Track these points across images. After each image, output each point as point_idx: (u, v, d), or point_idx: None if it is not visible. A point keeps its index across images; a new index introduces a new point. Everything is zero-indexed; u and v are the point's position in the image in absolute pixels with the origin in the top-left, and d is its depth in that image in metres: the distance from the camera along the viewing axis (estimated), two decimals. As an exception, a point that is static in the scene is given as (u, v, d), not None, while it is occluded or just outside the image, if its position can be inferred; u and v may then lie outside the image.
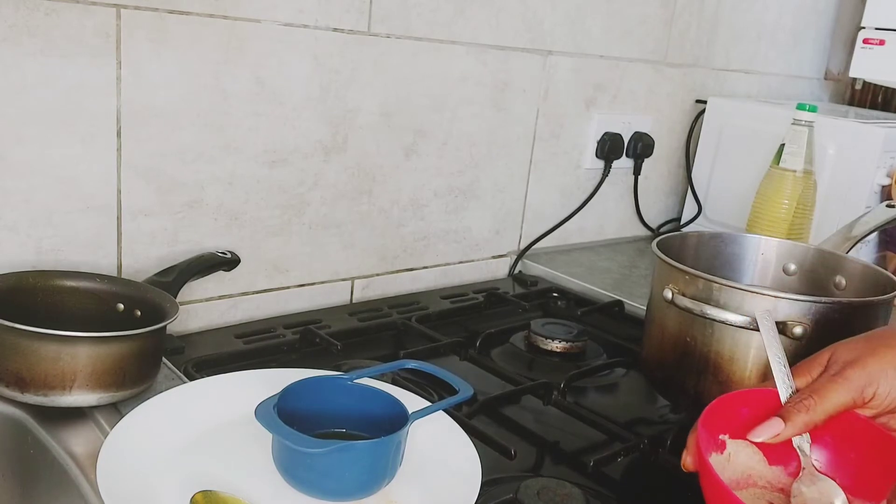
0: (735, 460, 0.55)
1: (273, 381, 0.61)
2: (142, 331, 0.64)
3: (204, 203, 0.84)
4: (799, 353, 0.65)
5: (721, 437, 0.55)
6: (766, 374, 0.67)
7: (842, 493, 0.53)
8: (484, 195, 1.11)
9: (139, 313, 0.71)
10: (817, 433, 0.55)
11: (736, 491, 0.54)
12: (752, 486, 0.55)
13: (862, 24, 1.41)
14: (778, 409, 0.54)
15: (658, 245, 0.75)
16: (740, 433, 0.55)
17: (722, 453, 0.55)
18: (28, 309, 0.66)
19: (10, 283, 0.68)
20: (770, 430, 0.53)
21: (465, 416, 0.70)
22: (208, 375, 0.69)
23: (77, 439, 0.61)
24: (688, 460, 0.53)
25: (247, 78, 0.83)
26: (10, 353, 0.61)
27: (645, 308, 0.78)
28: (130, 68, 0.75)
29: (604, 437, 0.72)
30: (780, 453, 0.56)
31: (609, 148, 1.24)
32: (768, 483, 0.56)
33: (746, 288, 0.67)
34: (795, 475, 0.55)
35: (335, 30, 0.89)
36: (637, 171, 1.31)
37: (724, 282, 0.67)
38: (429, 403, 0.61)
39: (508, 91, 1.09)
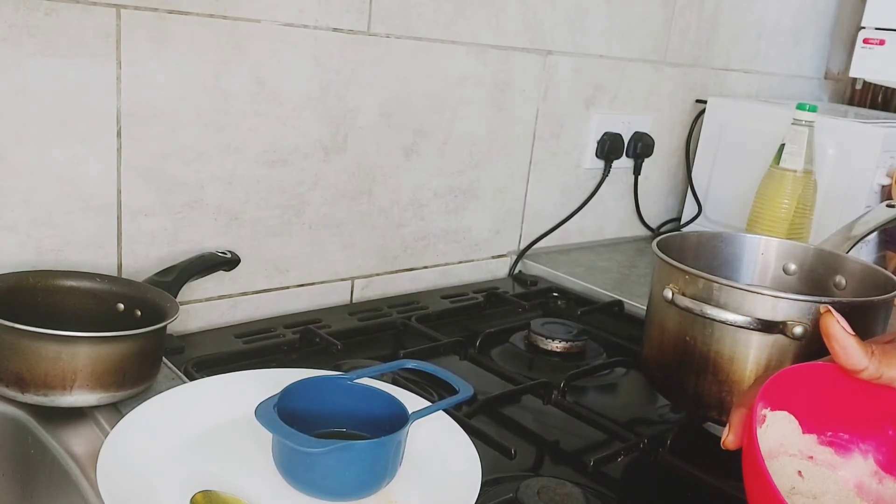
0: (770, 431, 0.55)
1: (273, 381, 0.61)
2: (142, 331, 0.64)
3: (204, 203, 0.84)
4: (799, 353, 0.65)
5: (763, 411, 0.55)
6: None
7: None
8: (484, 195, 1.11)
9: (139, 313, 0.71)
10: (881, 427, 0.55)
11: (768, 460, 0.54)
12: (784, 454, 0.55)
13: (862, 24, 1.41)
14: (827, 383, 0.54)
15: (658, 245, 0.75)
16: (783, 405, 0.55)
17: (761, 426, 0.55)
18: (28, 309, 0.66)
19: (10, 283, 0.68)
20: (857, 362, 0.52)
21: (465, 415, 0.70)
22: (208, 375, 0.69)
23: (77, 439, 0.61)
24: (729, 438, 0.53)
25: (247, 78, 0.83)
26: (10, 353, 0.61)
27: (645, 308, 0.78)
28: (130, 68, 0.75)
29: (604, 436, 0.72)
30: (814, 422, 0.56)
31: (609, 148, 1.24)
32: (798, 451, 0.56)
33: (746, 288, 0.67)
34: (828, 444, 0.56)
35: (335, 30, 0.89)
36: (637, 171, 1.31)
37: (724, 282, 0.67)
38: (429, 403, 0.61)
39: (508, 91, 1.09)
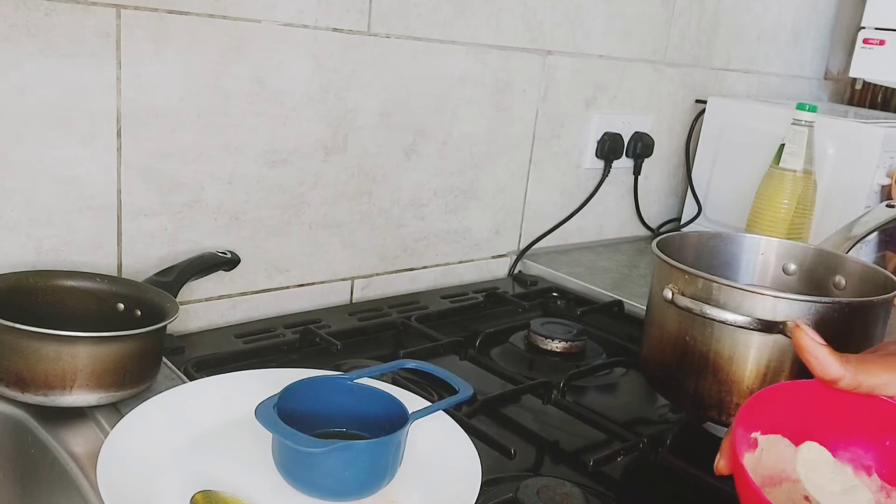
0: (767, 456, 0.54)
1: (273, 381, 0.61)
2: (142, 331, 0.64)
3: (204, 203, 0.84)
4: (799, 353, 0.65)
5: (753, 435, 0.54)
6: (766, 375, 0.67)
7: None
8: (484, 195, 1.11)
9: (139, 313, 0.71)
10: (878, 439, 0.55)
11: (769, 487, 0.53)
12: (786, 480, 0.54)
13: (862, 24, 1.41)
14: (816, 401, 0.54)
15: (658, 245, 0.75)
16: (775, 429, 0.54)
17: (754, 452, 0.54)
18: (28, 309, 0.66)
19: (10, 283, 0.68)
20: (833, 371, 0.52)
21: (465, 415, 0.70)
22: (208, 375, 0.69)
23: (77, 439, 0.61)
24: (721, 464, 0.52)
25: (247, 78, 0.83)
26: (10, 353, 0.61)
27: (645, 308, 0.78)
28: (130, 68, 0.75)
29: (603, 436, 0.72)
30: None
31: (609, 148, 1.24)
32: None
33: (746, 288, 0.67)
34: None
35: (335, 30, 0.89)
36: (637, 171, 1.31)
37: (724, 282, 0.67)
38: (429, 403, 0.61)
39: (508, 91, 1.09)
